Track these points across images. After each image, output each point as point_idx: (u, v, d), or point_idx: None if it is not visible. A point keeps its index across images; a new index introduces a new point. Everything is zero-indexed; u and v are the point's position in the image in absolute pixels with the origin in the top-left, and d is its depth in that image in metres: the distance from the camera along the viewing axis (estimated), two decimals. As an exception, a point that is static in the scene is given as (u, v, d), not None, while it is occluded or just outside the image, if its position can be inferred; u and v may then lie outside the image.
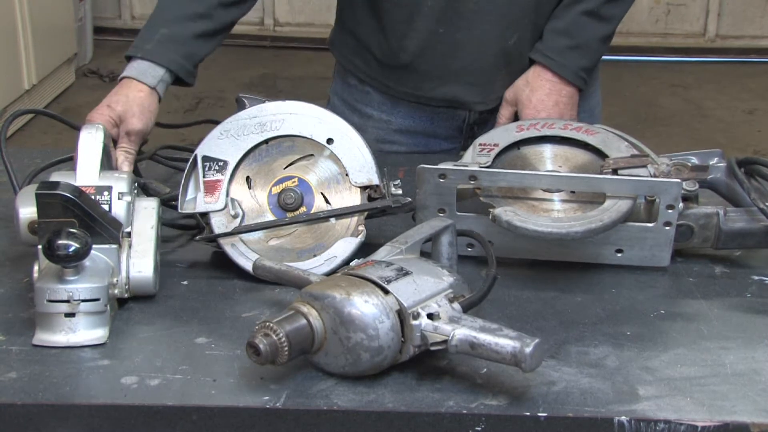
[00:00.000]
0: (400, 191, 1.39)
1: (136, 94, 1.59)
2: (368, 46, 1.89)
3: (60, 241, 1.15)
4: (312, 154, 1.39)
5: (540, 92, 1.77)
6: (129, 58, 1.64)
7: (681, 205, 1.37)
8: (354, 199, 1.38)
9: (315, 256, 1.36)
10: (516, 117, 1.80)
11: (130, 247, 1.28)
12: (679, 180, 1.37)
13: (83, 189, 1.23)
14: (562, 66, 1.77)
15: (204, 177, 1.38)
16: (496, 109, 1.87)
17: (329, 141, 1.38)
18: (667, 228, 1.38)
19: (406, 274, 1.16)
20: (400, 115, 1.93)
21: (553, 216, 1.38)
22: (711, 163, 1.50)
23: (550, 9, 1.81)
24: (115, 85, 1.62)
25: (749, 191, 1.39)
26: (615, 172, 1.43)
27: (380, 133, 1.93)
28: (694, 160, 1.50)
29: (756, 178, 1.45)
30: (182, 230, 1.49)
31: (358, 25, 1.90)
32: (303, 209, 1.38)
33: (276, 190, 1.39)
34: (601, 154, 1.48)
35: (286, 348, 1.07)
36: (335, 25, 1.99)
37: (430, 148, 1.95)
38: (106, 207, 1.27)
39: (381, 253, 1.23)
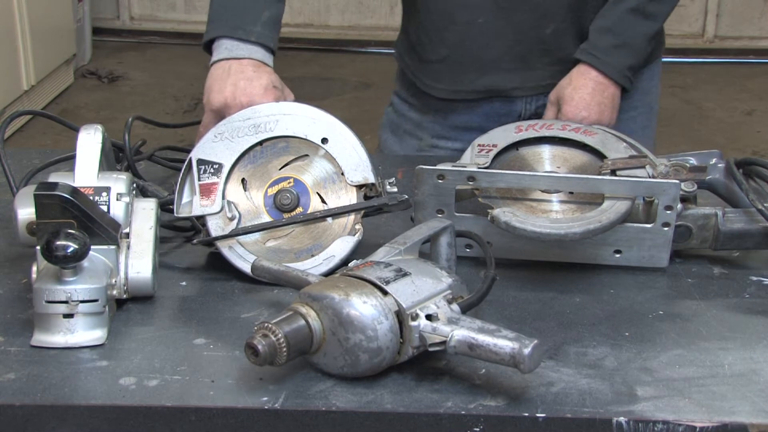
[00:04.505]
0: (395, 189, 1.38)
1: (272, 76, 1.60)
2: (413, 43, 1.92)
3: (58, 242, 1.14)
4: (307, 155, 1.39)
5: (583, 91, 1.73)
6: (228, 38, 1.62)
7: (679, 205, 1.37)
8: (350, 198, 1.38)
9: (313, 256, 1.36)
10: None
11: (128, 248, 1.27)
12: (677, 181, 1.37)
13: (82, 190, 1.23)
14: (607, 64, 1.74)
15: (199, 180, 1.37)
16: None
17: (324, 141, 1.38)
18: (666, 229, 1.38)
19: (405, 275, 1.16)
20: (457, 111, 1.94)
21: (552, 217, 1.38)
22: (709, 163, 1.50)
23: (592, 2, 1.80)
24: (230, 66, 1.59)
25: (748, 192, 1.39)
26: (613, 172, 1.43)
27: (437, 128, 1.94)
28: (693, 161, 1.50)
29: (754, 179, 1.45)
30: (180, 232, 1.49)
31: (407, 23, 1.94)
32: (299, 210, 1.38)
33: (272, 191, 1.39)
34: (599, 155, 1.48)
35: (284, 349, 1.07)
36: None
37: None
38: (104, 208, 1.27)
39: (380, 254, 1.23)
